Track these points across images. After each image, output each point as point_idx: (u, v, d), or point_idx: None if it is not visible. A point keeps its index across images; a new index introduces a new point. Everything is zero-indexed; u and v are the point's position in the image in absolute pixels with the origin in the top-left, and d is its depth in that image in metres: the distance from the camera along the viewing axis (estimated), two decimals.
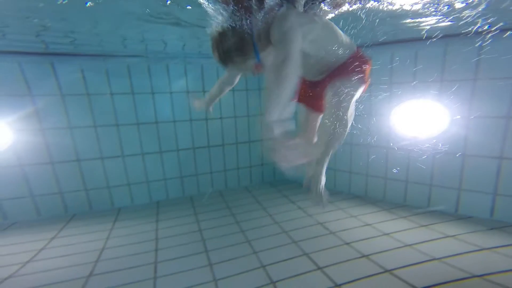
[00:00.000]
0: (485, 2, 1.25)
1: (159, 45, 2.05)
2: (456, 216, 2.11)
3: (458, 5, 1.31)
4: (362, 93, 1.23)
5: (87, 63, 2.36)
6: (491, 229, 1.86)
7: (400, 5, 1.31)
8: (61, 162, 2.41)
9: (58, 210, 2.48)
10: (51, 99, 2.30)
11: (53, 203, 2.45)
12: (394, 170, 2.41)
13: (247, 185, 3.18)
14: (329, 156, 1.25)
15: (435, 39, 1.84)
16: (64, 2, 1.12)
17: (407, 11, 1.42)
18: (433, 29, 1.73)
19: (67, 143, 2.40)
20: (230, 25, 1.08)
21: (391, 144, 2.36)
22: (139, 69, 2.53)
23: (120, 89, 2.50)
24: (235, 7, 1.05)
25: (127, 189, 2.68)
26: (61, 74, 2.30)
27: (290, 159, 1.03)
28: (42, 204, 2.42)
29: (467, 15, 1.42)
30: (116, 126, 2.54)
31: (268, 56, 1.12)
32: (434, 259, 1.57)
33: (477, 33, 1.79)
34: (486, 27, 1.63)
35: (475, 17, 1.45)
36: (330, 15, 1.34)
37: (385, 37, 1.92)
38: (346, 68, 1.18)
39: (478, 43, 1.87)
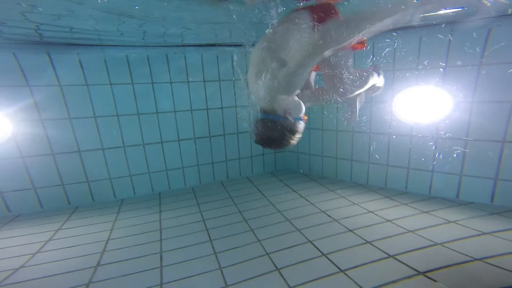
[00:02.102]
0: None
1: (158, 36, 1.99)
2: (457, 202, 2.13)
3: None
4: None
5: (84, 53, 2.30)
6: (492, 214, 1.89)
7: None
8: (62, 153, 2.39)
9: (61, 203, 2.49)
10: (50, 89, 2.26)
11: (55, 195, 2.45)
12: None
13: (249, 175, 3.19)
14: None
15: (442, 25, 1.79)
16: None
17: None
18: (439, 15, 1.68)
19: (68, 134, 2.37)
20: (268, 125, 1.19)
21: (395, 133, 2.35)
22: (138, 59, 2.48)
23: (119, 79, 2.45)
24: None
25: (128, 181, 2.68)
26: (58, 64, 2.24)
27: None
28: (44, 197, 2.42)
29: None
30: (116, 116, 2.51)
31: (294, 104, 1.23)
32: (436, 244, 1.60)
33: (483, 19, 1.75)
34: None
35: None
36: None
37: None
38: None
39: (486, 28, 1.82)
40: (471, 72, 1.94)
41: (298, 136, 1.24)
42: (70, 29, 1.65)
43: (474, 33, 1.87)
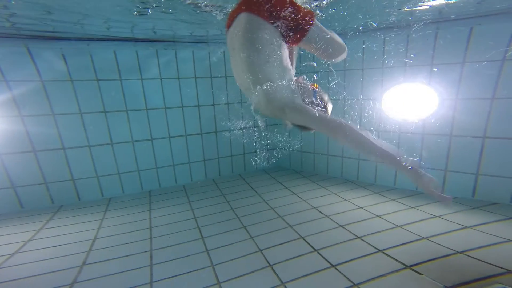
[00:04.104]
0: None
1: (147, 31, 1.94)
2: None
3: None
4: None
5: (68, 47, 2.21)
6: (472, 208, 1.98)
7: None
8: (44, 150, 2.28)
9: (44, 202, 2.38)
10: (30, 84, 2.15)
11: (37, 194, 2.34)
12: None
13: (241, 172, 3.18)
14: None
15: (425, 24, 1.85)
16: None
17: None
18: (424, 14, 1.74)
19: (51, 130, 2.27)
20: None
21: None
22: (127, 54, 2.40)
23: (107, 75, 2.37)
24: None
25: (117, 178, 2.60)
26: (39, 59, 2.14)
27: None
28: (25, 196, 2.31)
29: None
30: (103, 113, 2.42)
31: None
32: (422, 238, 1.65)
33: (468, 18, 1.82)
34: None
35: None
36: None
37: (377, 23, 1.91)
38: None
39: (468, 27, 1.90)
40: (455, 70, 2.01)
41: (329, 104, 1.33)
42: (53, 28, 1.58)
43: (457, 32, 1.93)
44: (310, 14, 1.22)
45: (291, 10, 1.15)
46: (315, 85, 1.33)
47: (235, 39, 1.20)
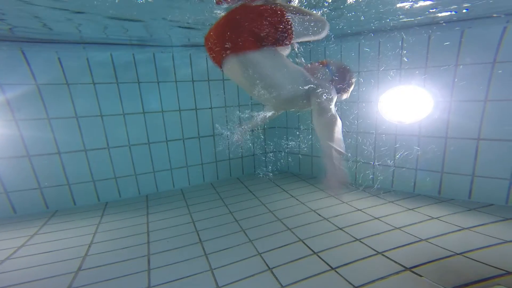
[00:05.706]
0: None
1: (143, 33, 1.94)
2: (439, 199, 2.24)
3: None
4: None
5: (64, 51, 2.19)
6: (469, 210, 2.00)
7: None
8: (39, 155, 2.25)
9: (38, 207, 2.33)
10: (24, 88, 2.12)
11: (31, 199, 2.29)
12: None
13: (239, 176, 3.16)
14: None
15: (419, 27, 1.89)
16: None
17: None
18: (419, 18, 1.78)
19: (46, 135, 2.24)
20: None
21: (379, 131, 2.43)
22: (124, 58, 2.40)
23: (103, 78, 2.36)
24: None
25: (113, 183, 2.57)
26: (34, 62, 2.12)
27: None
28: (18, 201, 2.26)
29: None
30: (100, 117, 2.40)
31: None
32: (421, 240, 1.66)
33: (459, 21, 1.86)
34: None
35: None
36: None
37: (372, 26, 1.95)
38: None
39: (459, 30, 1.94)
40: (449, 72, 2.05)
41: (352, 80, 1.34)
42: (50, 30, 1.56)
43: (450, 35, 1.97)
44: (282, 14, 1.15)
45: (269, 22, 1.10)
46: (324, 61, 1.30)
47: (238, 79, 1.22)
